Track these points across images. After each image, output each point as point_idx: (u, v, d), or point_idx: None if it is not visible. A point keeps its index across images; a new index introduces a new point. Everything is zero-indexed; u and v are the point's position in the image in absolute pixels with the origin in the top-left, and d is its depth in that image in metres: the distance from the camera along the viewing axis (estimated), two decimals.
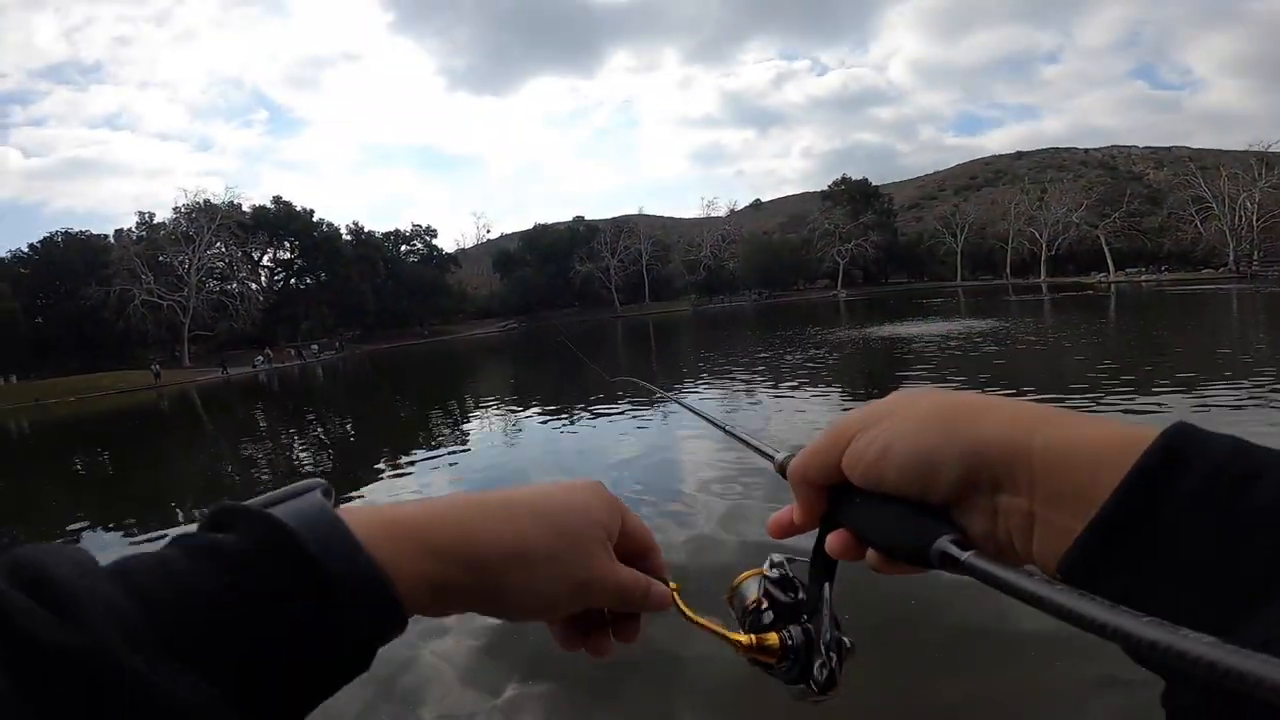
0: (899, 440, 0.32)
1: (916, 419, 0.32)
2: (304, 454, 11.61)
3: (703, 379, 14.01)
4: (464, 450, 9.25)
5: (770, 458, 0.42)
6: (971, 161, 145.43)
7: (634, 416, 9.53)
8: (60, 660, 0.21)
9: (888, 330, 21.38)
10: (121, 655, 0.22)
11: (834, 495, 0.36)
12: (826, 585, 0.39)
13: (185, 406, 25.24)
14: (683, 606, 0.40)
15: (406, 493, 6.84)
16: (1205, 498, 0.23)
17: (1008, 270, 71.91)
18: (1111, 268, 61.10)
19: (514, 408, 13.03)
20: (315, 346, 52.69)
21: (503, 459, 8.38)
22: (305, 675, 0.26)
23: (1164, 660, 0.19)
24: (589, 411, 10.70)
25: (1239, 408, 7.11)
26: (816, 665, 0.37)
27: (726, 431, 0.53)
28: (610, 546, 0.37)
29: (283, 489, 0.29)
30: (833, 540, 0.35)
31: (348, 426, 15.06)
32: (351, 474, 8.77)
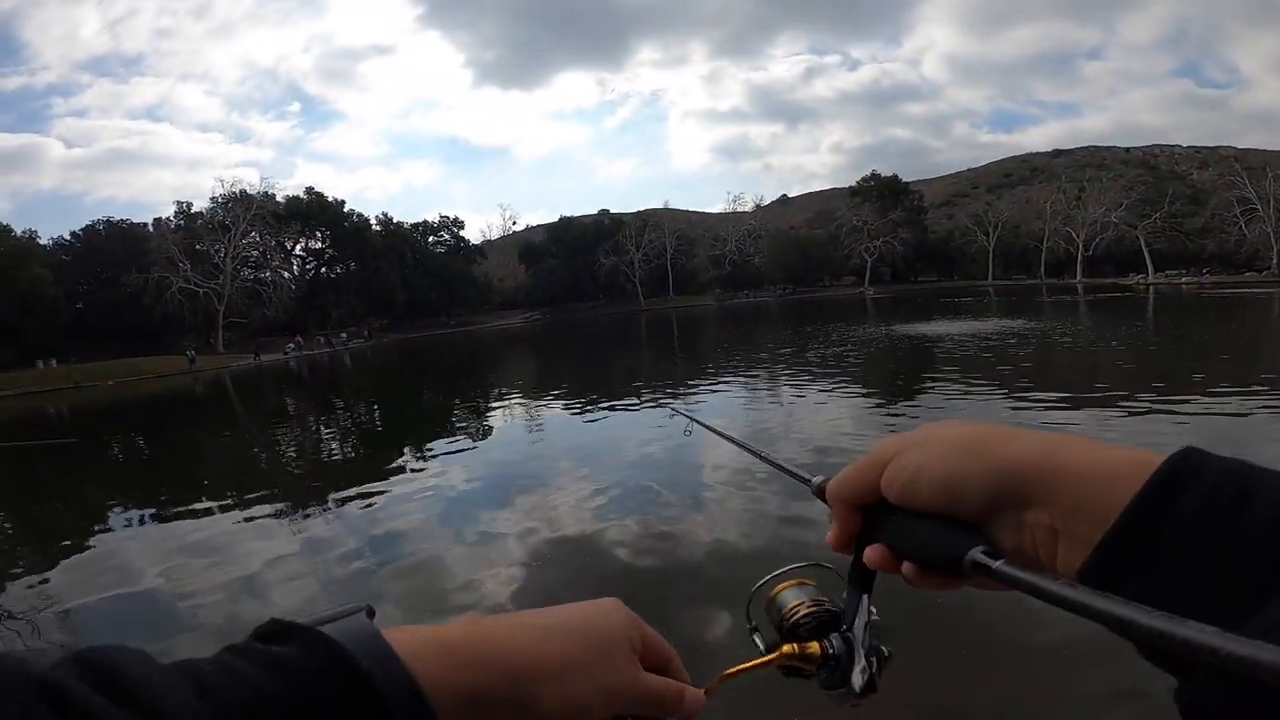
0: (933, 460, 0.35)
1: (948, 443, 0.35)
2: (331, 440, 11.86)
3: (726, 376, 13.96)
4: (485, 441, 9.37)
5: (806, 482, 0.44)
6: (1006, 159, 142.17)
7: (653, 414, 9.55)
8: None
9: (918, 329, 21.06)
10: None
11: (871, 514, 0.38)
12: (865, 597, 0.40)
13: (219, 391, 25.90)
14: (721, 678, 0.41)
15: (428, 479, 6.95)
16: (1205, 514, 0.27)
17: (1042, 270, 70.27)
18: (1150, 269, 59.38)
19: (536, 400, 13.14)
20: (344, 335, 53.63)
21: (523, 453, 8.45)
22: None
23: (1171, 649, 0.22)
24: (610, 407, 10.75)
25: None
26: (857, 671, 0.39)
27: (761, 457, 0.54)
28: (636, 658, 0.39)
29: (330, 610, 0.32)
30: (871, 553, 0.37)
31: (375, 413, 15.33)
32: (377, 461, 8.94)
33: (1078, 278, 64.33)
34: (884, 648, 0.40)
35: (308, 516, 6.27)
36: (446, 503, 6.14)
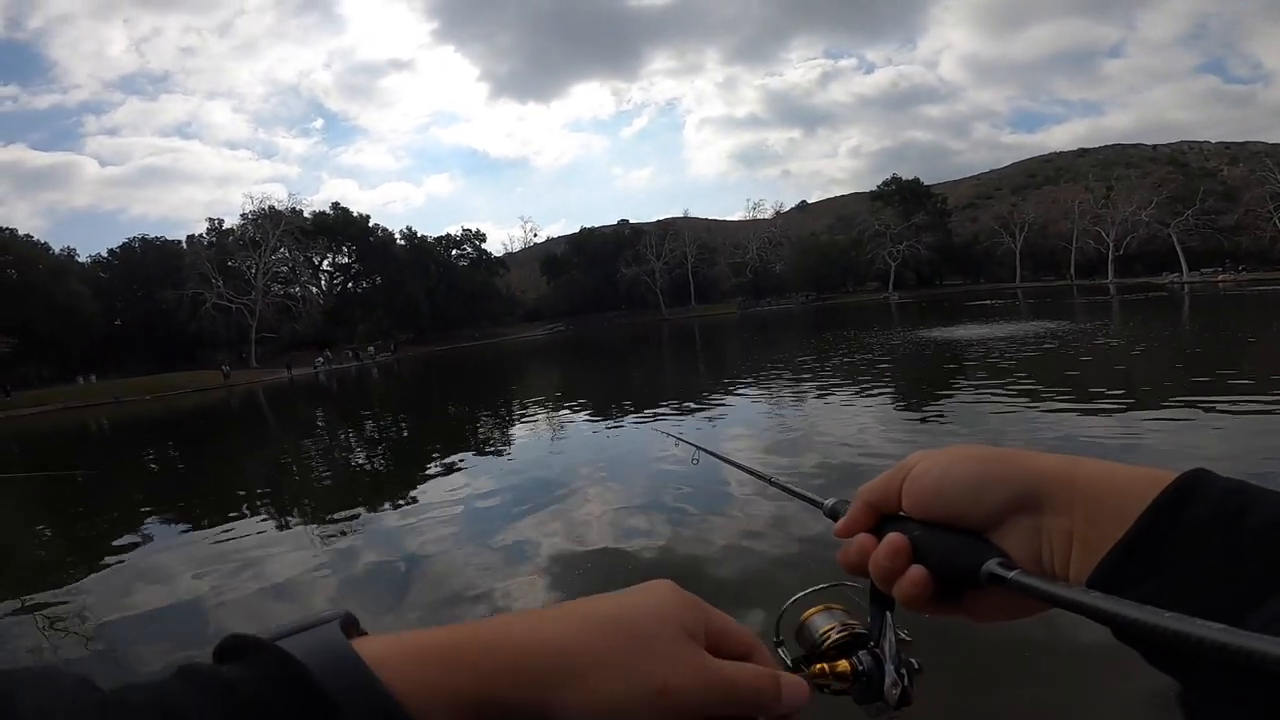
0: (957, 466, 0.37)
1: (972, 453, 0.37)
2: (360, 451, 12.07)
3: (749, 385, 13.93)
4: (509, 452, 9.47)
5: (819, 504, 0.44)
6: (1030, 159, 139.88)
7: (677, 420, 9.57)
8: None
9: (954, 333, 20.72)
10: None
11: (886, 523, 0.39)
12: (888, 613, 0.41)
13: (253, 405, 26.49)
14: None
15: (456, 489, 7.05)
16: (1209, 522, 0.29)
17: (1072, 270, 68.92)
18: (1185, 267, 57.90)
19: (560, 411, 13.24)
20: (371, 349, 54.52)
21: (546, 465, 8.52)
22: None
23: (1178, 647, 0.24)
24: (633, 418, 10.80)
25: None
26: (888, 685, 0.39)
27: (772, 483, 0.54)
28: (697, 645, 0.32)
29: (301, 619, 0.29)
30: (888, 541, 0.37)
31: (401, 426, 15.57)
32: (405, 471, 9.10)
33: (1109, 278, 62.97)
34: (913, 660, 0.41)
35: (338, 525, 6.40)
36: (473, 512, 6.22)
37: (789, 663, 0.41)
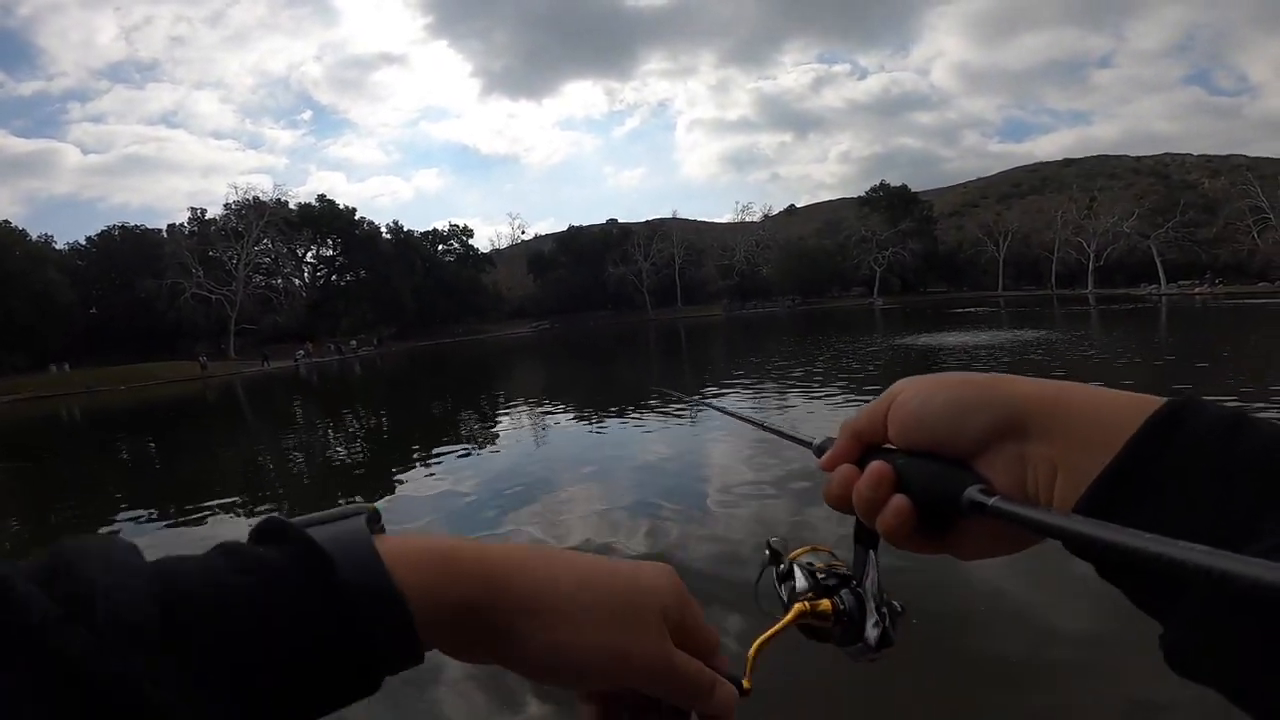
0: (940, 392, 0.36)
1: (957, 379, 0.36)
2: (338, 446, 11.88)
3: (736, 383, 13.92)
4: (493, 447, 9.36)
5: (807, 444, 0.44)
6: (1016, 169, 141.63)
7: (662, 421, 9.52)
8: (61, 660, 0.21)
9: (938, 339, 20.91)
10: (119, 660, 0.22)
11: (872, 456, 0.38)
12: (871, 553, 0.40)
13: (229, 397, 26.06)
14: (751, 659, 0.39)
15: (435, 485, 6.94)
16: (1199, 447, 0.28)
17: (1053, 280, 69.87)
18: (1163, 279, 58.89)
19: (544, 407, 13.13)
20: (354, 342, 53.95)
21: (530, 459, 8.44)
22: (313, 694, 0.27)
23: (1167, 572, 0.22)
24: (617, 415, 10.73)
25: None
26: (870, 625, 0.39)
27: (764, 427, 0.54)
28: (667, 631, 0.35)
29: (332, 510, 0.32)
30: (873, 468, 0.36)
31: (382, 419, 15.37)
32: (384, 465, 8.95)
33: (1089, 288, 63.87)
34: (896, 602, 0.40)
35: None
36: (454, 507, 6.12)
37: (783, 599, 0.41)
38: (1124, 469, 0.29)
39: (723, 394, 12.15)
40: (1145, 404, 0.31)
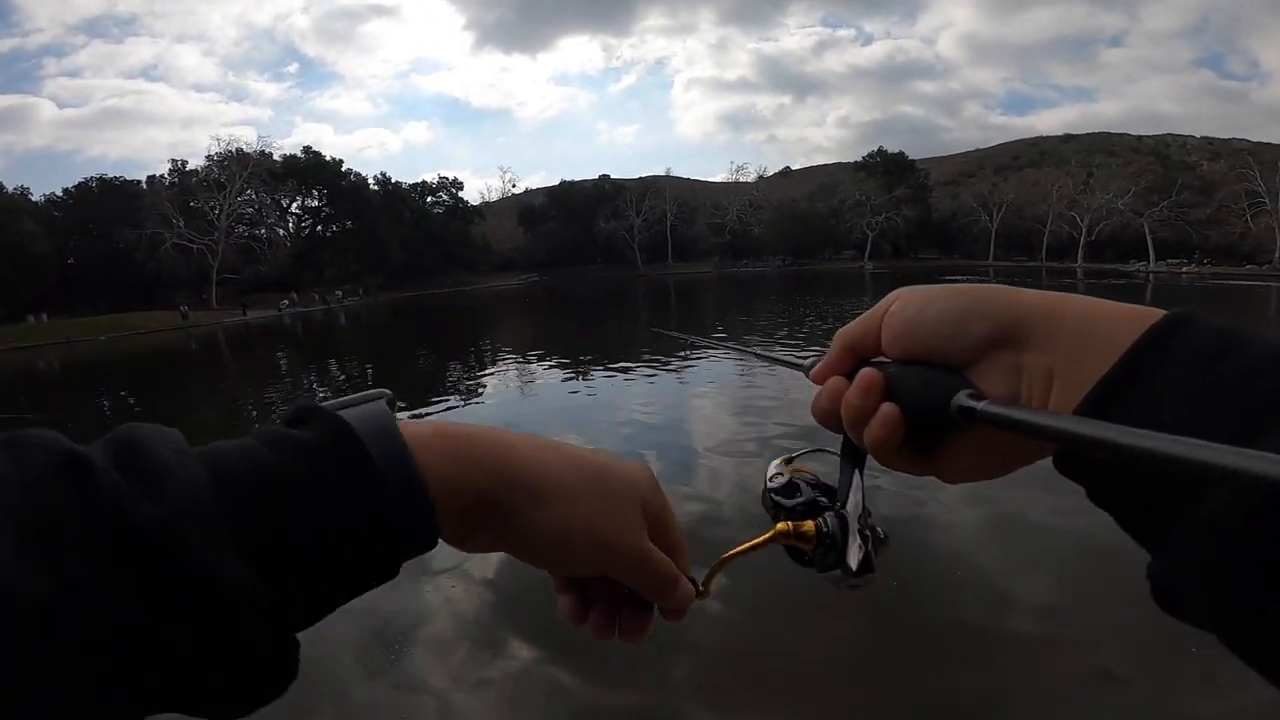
0: (938, 300, 0.35)
1: (955, 288, 0.35)
2: (323, 398, 11.77)
3: (726, 340, 13.87)
4: (478, 398, 9.31)
5: (799, 366, 0.43)
6: (1016, 141, 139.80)
7: (649, 374, 9.49)
8: (139, 531, 0.24)
9: None
10: (190, 530, 0.25)
11: (863, 367, 0.37)
12: (857, 473, 0.39)
13: (212, 347, 25.75)
14: (717, 566, 0.39)
15: None
16: (1196, 356, 0.28)
17: (1043, 253, 69.97)
18: (1152, 256, 59.12)
19: (529, 359, 13.05)
20: (339, 293, 53.23)
21: (516, 411, 8.40)
22: (341, 571, 0.29)
23: (1166, 469, 0.22)
24: (603, 366, 10.69)
25: None
26: (853, 548, 0.38)
27: (754, 354, 0.53)
28: (644, 523, 0.37)
29: (354, 395, 0.33)
30: (863, 374, 0.36)
31: (367, 371, 15.24)
32: None
33: (1079, 262, 64.06)
34: (880, 530, 0.40)
35: None
36: None
37: (772, 517, 0.41)
38: (1119, 378, 0.29)
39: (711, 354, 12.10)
40: (1146, 316, 0.30)
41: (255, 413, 10.37)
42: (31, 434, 0.26)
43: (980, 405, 0.30)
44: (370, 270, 60.19)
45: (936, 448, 0.35)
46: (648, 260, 73.51)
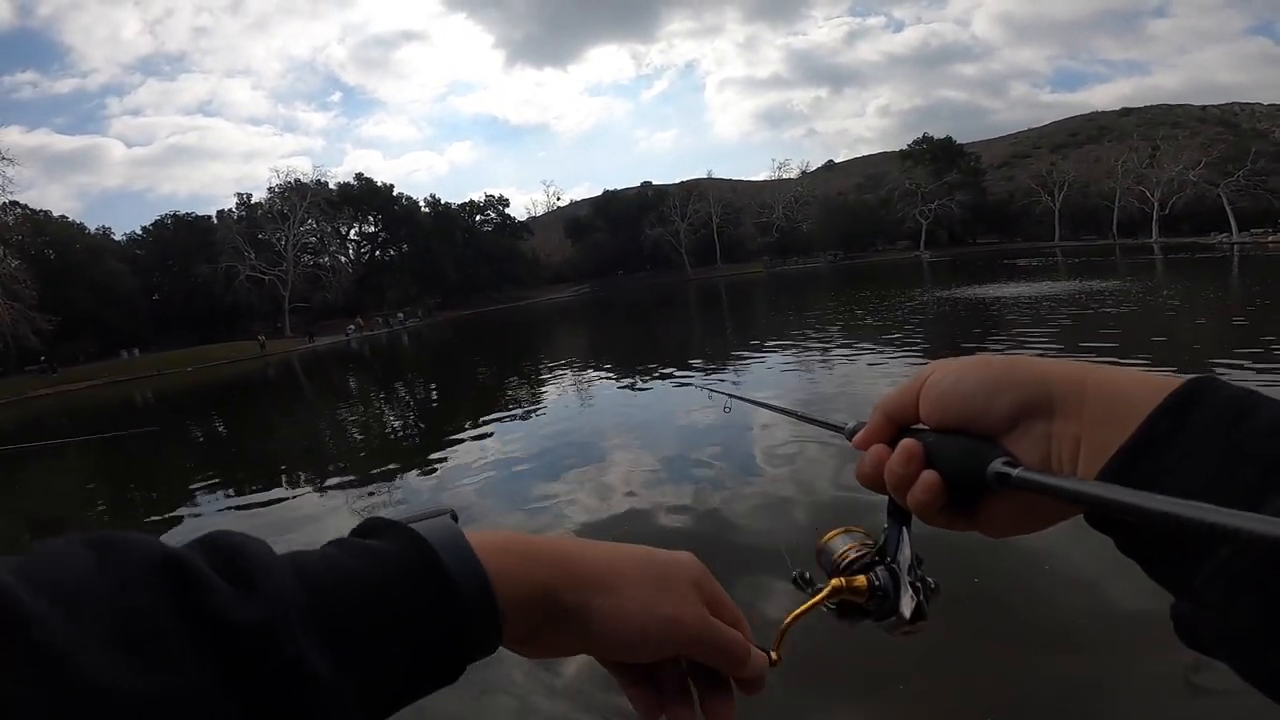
0: (971, 372, 0.37)
1: (988, 359, 0.37)
2: (393, 418, 12.32)
3: (779, 343, 13.81)
4: (539, 413, 9.58)
5: (840, 429, 0.45)
6: (1071, 118, 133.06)
7: (708, 381, 9.55)
8: (242, 631, 0.25)
9: (992, 291, 20.14)
10: (289, 632, 0.26)
11: (904, 435, 0.39)
12: (904, 529, 0.41)
13: (289, 374, 27.12)
14: (781, 632, 0.41)
15: (488, 452, 7.18)
16: (1212, 424, 0.29)
17: (1114, 229, 66.41)
18: (1234, 227, 55.35)
19: (587, 372, 13.31)
20: (401, 315, 55.19)
21: (575, 425, 8.59)
22: (414, 676, 0.31)
23: (1183, 531, 0.24)
24: (659, 378, 10.81)
25: None
26: (905, 599, 0.40)
27: (797, 416, 0.56)
28: (701, 601, 0.39)
29: (418, 510, 0.35)
30: (904, 445, 0.38)
31: (432, 390, 15.82)
32: (436, 435, 9.27)
33: (1154, 237, 60.58)
34: (930, 579, 0.41)
35: (372, 487, 6.58)
36: (503, 474, 6.34)
37: (814, 585, 0.43)
38: (1140, 444, 0.31)
39: (765, 357, 12.06)
40: (1165, 384, 0.32)
41: (330, 431, 10.94)
42: (130, 535, 0.27)
43: (1014, 472, 0.32)
44: (428, 291, 62.21)
45: (975, 509, 0.37)
46: (696, 264, 73.38)
